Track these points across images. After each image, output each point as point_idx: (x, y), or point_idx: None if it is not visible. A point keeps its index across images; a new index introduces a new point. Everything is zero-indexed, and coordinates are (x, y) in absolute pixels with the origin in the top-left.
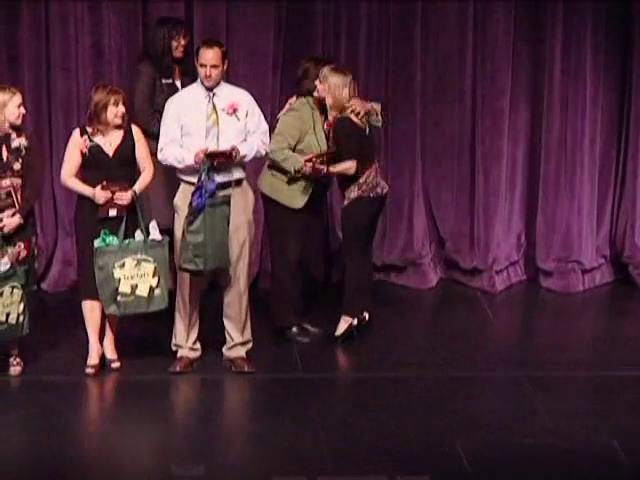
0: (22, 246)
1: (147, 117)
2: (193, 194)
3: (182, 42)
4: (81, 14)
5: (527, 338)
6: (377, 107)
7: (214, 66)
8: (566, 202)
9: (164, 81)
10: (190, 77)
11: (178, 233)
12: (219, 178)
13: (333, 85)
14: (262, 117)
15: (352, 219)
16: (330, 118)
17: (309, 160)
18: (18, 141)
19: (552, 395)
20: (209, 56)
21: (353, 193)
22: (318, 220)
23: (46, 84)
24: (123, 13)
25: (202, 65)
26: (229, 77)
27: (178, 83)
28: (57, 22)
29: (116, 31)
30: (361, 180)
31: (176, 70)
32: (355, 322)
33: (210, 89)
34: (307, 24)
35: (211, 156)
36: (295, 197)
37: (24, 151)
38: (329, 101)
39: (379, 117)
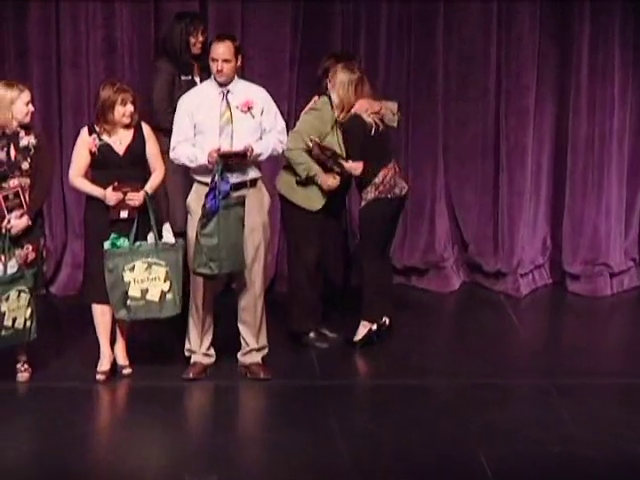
0: (30, 248)
1: (166, 115)
2: (206, 196)
3: (200, 38)
4: (92, 7)
5: (553, 344)
6: (392, 106)
7: (226, 60)
8: (593, 203)
9: (183, 78)
10: (209, 73)
11: (191, 235)
12: (233, 178)
13: (340, 83)
14: (279, 115)
15: (370, 221)
16: (337, 117)
17: (317, 144)
18: (27, 140)
19: (579, 403)
20: (220, 50)
21: (370, 194)
22: (336, 222)
23: (56, 80)
24: (135, 7)
25: (214, 60)
26: (244, 73)
27: (197, 80)
28: (67, 15)
29: (128, 25)
30: (377, 180)
31: (195, 67)
32: (375, 327)
33: (224, 85)
34: (325, 18)
35: (225, 156)
36: (313, 198)
37: (33, 150)
38: (335, 99)
39: (394, 117)
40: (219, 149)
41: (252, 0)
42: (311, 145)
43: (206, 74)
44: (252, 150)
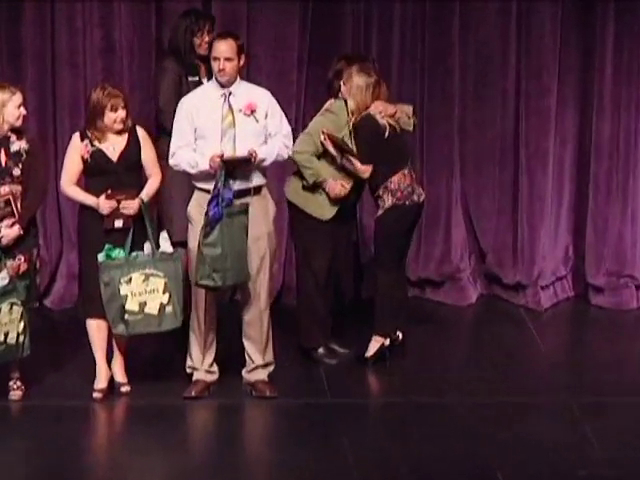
0: (22, 259)
1: (173, 116)
2: (209, 203)
3: (206, 38)
4: (89, 5)
5: (576, 360)
6: (408, 110)
7: (228, 59)
8: (618, 210)
9: (190, 79)
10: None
11: (192, 245)
12: (236, 185)
13: (356, 87)
14: (284, 118)
15: (386, 229)
16: (352, 120)
17: (328, 135)
18: (18, 144)
19: (604, 422)
20: (222, 48)
21: (388, 202)
22: (347, 232)
23: (51, 81)
24: (135, 5)
25: (215, 58)
26: (250, 73)
27: (205, 81)
28: (63, 13)
29: (127, 25)
30: (393, 187)
31: (202, 67)
32: (387, 342)
33: (226, 87)
34: (335, 17)
35: (228, 162)
36: (324, 207)
37: (25, 155)
38: (351, 104)
39: (410, 120)
40: (222, 154)
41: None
42: (323, 138)
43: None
44: (256, 155)
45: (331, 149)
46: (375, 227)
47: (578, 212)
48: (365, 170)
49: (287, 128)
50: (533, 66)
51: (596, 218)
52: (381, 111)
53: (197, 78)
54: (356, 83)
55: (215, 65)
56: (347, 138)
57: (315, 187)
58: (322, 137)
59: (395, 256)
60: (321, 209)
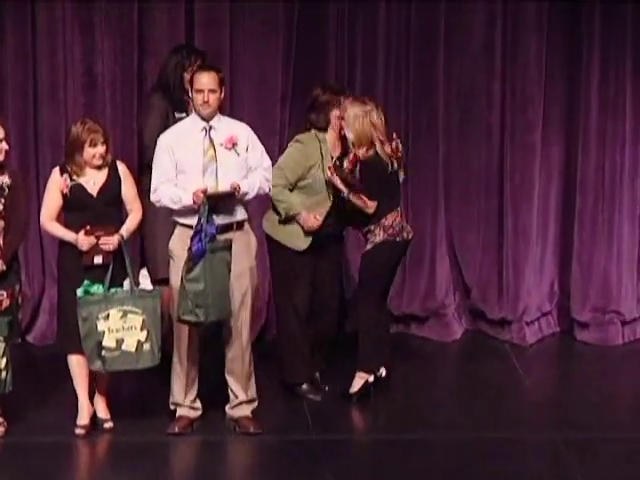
0: (4, 295)
1: None
2: (192, 239)
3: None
4: (71, 38)
5: (561, 396)
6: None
7: (212, 91)
8: (604, 246)
9: (177, 115)
10: None
11: (173, 281)
12: (219, 220)
13: (353, 117)
14: (264, 152)
15: (373, 264)
16: (352, 155)
17: (334, 165)
18: (0, 179)
19: (590, 460)
20: (205, 80)
21: (379, 237)
22: (329, 265)
23: (32, 115)
24: (118, 38)
25: (198, 91)
26: (234, 108)
27: None
28: (45, 46)
29: (109, 58)
30: (387, 223)
31: (190, 104)
32: (371, 379)
33: (206, 120)
34: (318, 51)
35: (212, 197)
36: (297, 237)
37: (7, 190)
38: (350, 136)
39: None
40: (205, 189)
41: (241, 31)
42: (329, 173)
43: None
44: (240, 189)
45: (339, 185)
46: (362, 261)
47: (563, 247)
48: (372, 206)
49: (268, 162)
50: (518, 100)
51: (581, 253)
52: (384, 148)
53: (184, 114)
54: (353, 113)
55: (199, 97)
56: (318, 168)
57: (287, 220)
58: (329, 173)
59: (379, 291)
60: (297, 240)
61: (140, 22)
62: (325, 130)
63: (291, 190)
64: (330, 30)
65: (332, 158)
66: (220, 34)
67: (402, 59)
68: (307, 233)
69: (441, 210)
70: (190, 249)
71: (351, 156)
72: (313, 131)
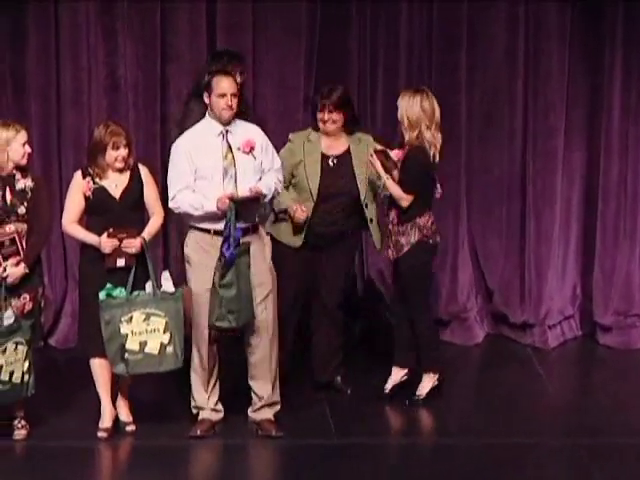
0: (27, 298)
1: None
2: (222, 245)
3: (238, 79)
4: (94, 42)
5: (583, 400)
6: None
7: (234, 95)
8: (626, 250)
9: None
10: (244, 117)
11: (193, 287)
12: (239, 224)
13: (404, 103)
14: (275, 153)
15: (417, 267)
16: (402, 151)
17: (379, 150)
18: (23, 182)
19: (612, 465)
20: (227, 84)
21: (414, 237)
22: (332, 262)
23: (55, 119)
24: (140, 42)
25: (222, 95)
26: (256, 112)
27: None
28: (68, 50)
29: (132, 62)
30: (421, 223)
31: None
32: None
33: (223, 125)
34: (341, 53)
35: (237, 202)
36: (294, 235)
37: (30, 193)
38: (405, 122)
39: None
40: (231, 195)
41: (263, 35)
42: (370, 155)
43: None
44: (261, 193)
45: (378, 168)
46: (403, 264)
47: (586, 251)
48: (407, 199)
49: (278, 162)
50: (540, 106)
51: (604, 257)
52: (433, 143)
53: None
54: (403, 100)
55: (222, 102)
56: (301, 165)
57: (281, 217)
58: (370, 156)
59: (427, 295)
60: (292, 237)
61: (162, 26)
62: (319, 130)
63: (287, 188)
64: (352, 32)
65: (327, 158)
66: (242, 38)
67: (424, 63)
68: (296, 227)
69: (463, 214)
70: (223, 256)
71: (400, 153)
72: (309, 129)
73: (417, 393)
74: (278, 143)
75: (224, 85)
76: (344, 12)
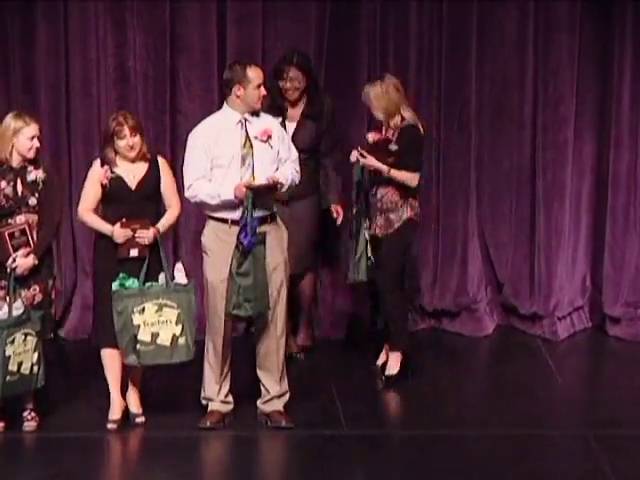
0: (37, 289)
1: None
2: (239, 233)
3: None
4: (103, 33)
5: (593, 392)
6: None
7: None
8: (636, 241)
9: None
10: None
11: (210, 276)
12: (256, 213)
13: (374, 96)
14: (292, 144)
15: (401, 246)
16: (377, 131)
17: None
18: (35, 174)
19: (622, 456)
20: (262, 74)
21: (406, 214)
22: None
23: (65, 110)
24: (150, 33)
25: (260, 85)
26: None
27: (287, 123)
28: (77, 41)
29: (142, 53)
30: (413, 201)
31: (288, 110)
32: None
33: (242, 113)
34: (351, 47)
35: (255, 190)
36: None
37: (41, 185)
38: (380, 115)
39: None
40: (249, 184)
41: (273, 28)
42: (358, 155)
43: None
44: (281, 182)
45: (377, 164)
46: (389, 241)
47: (595, 243)
48: (416, 177)
49: (295, 153)
50: (550, 97)
51: (613, 249)
52: (414, 119)
53: (281, 119)
54: (373, 92)
55: (258, 93)
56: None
57: None
58: (357, 159)
59: (400, 272)
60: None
61: (172, 19)
62: None
63: None
64: (362, 26)
65: None
66: (252, 31)
67: (434, 55)
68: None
69: (473, 205)
70: (241, 243)
71: (376, 135)
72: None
73: (386, 373)
74: None
75: (260, 75)
76: (354, 6)
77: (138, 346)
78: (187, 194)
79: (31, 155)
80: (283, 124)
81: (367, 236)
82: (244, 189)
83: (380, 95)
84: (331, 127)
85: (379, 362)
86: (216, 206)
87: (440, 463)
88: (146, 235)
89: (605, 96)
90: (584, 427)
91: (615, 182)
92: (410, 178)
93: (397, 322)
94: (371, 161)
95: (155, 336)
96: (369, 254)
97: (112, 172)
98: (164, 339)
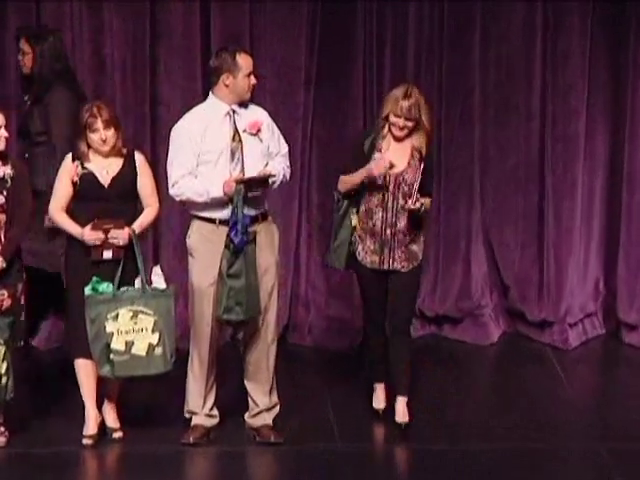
0: (6, 294)
1: None
2: (229, 232)
3: None
4: (78, 17)
5: (606, 403)
6: None
7: (254, 74)
8: None
9: None
10: None
11: (195, 279)
12: (247, 211)
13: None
14: (282, 137)
15: (417, 283)
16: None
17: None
18: (2, 170)
19: (634, 469)
20: (251, 62)
21: (422, 245)
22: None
23: None
24: (128, 18)
25: (250, 74)
26: (254, 94)
27: None
28: (50, 26)
29: (120, 39)
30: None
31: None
32: None
33: (229, 104)
34: (346, 32)
35: (245, 184)
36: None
37: (9, 182)
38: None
39: None
40: (239, 177)
41: (262, 11)
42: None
43: None
44: (273, 176)
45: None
46: (415, 275)
47: (609, 244)
48: (431, 201)
49: (285, 147)
50: (560, 86)
51: (629, 250)
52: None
53: None
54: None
55: (248, 82)
56: None
57: None
58: (413, 204)
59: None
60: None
61: (152, 2)
62: None
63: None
64: (358, 9)
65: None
66: (239, 14)
67: (435, 42)
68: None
69: (477, 204)
70: (232, 242)
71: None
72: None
73: (400, 421)
74: (278, 126)
75: (249, 64)
76: None
77: (112, 356)
78: (172, 192)
79: (1, 146)
80: None
81: (354, 222)
82: (233, 184)
83: (423, 103)
84: None
85: (379, 407)
86: (203, 204)
87: (441, 478)
88: (120, 236)
89: (619, 85)
90: (596, 440)
91: (630, 178)
92: (428, 203)
93: (409, 367)
94: (417, 206)
95: (130, 345)
96: (354, 240)
97: (83, 168)
98: (139, 348)
